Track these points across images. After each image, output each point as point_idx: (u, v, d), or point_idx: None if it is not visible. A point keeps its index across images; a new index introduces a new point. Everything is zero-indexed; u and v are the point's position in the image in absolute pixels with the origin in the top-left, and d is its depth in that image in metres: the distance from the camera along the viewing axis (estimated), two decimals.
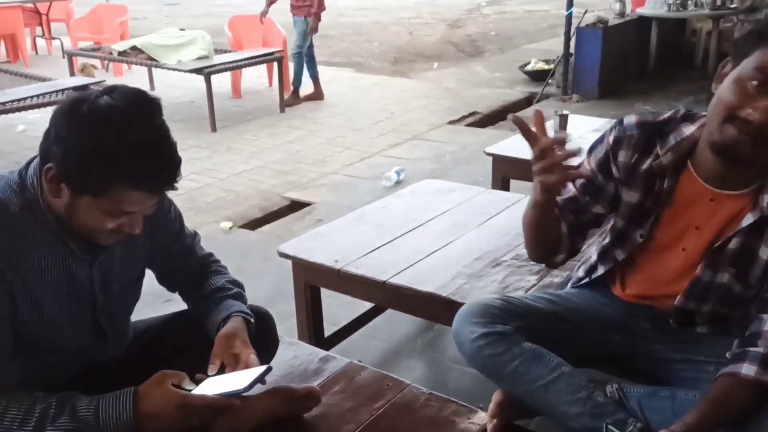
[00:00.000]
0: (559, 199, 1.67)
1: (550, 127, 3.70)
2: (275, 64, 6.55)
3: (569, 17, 6.74)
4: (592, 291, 1.76)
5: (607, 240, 1.69)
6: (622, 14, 7.44)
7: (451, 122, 6.26)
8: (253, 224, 4.20)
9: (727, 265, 1.50)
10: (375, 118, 6.36)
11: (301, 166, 5.15)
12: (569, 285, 1.85)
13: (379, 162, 5.18)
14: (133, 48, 6.34)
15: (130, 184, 1.23)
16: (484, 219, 2.57)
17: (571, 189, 1.66)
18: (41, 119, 5.95)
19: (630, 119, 1.58)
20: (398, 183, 4.66)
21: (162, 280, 1.63)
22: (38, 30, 9.49)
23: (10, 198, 1.28)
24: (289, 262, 2.45)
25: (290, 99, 6.79)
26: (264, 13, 7.01)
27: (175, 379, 1.28)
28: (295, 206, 4.47)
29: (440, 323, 2.37)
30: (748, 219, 1.45)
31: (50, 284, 1.32)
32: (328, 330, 2.63)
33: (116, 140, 1.19)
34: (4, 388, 1.23)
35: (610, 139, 1.59)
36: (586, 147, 3.50)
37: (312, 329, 2.44)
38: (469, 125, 6.28)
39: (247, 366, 1.38)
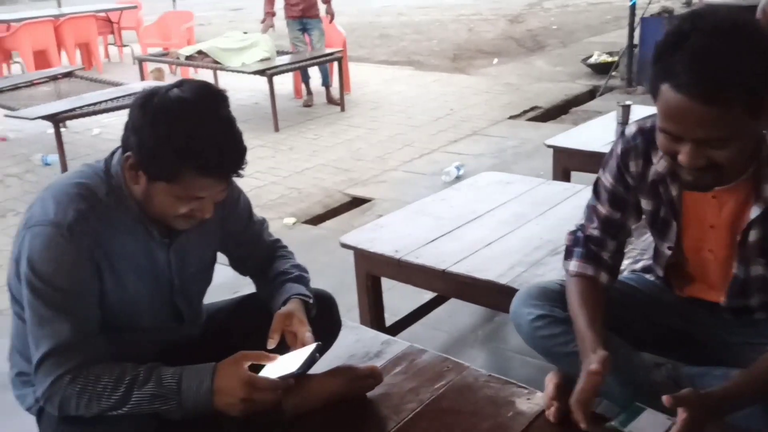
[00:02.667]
0: (594, 229, 1.63)
1: (613, 119, 3.66)
2: (335, 64, 6.65)
3: (633, 7, 6.60)
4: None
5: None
6: (688, 3, 7.25)
7: (511, 117, 6.23)
8: (316, 220, 4.29)
9: (756, 256, 1.46)
10: (434, 115, 6.39)
11: (361, 163, 5.22)
12: (627, 270, 1.84)
13: (438, 158, 5.21)
14: (199, 52, 6.55)
15: (198, 171, 1.31)
16: (544, 209, 2.57)
17: (600, 210, 1.63)
18: (114, 123, 6.26)
19: (631, 129, 1.55)
20: (458, 178, 4.67)
21: (233, 264, 1.72)
22: (110, 38, 9.91)
23: (98, 184, 1.39)
24: (351, 256, 2.52)
25: (309, 99, 6.94)
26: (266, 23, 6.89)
27: (254, 358, 1.35)
28: (356, 202, 4.54)
29: (499, 311, 2.39)
30: (755, 211, 1.41)
31: (132, 265, 1.42)
32: (390, 321, 2.68)
33: (184, 130, 1.28)
34: (96, 357, 1.33)
35: (618, 150, 1.57)
36: None
37: (374, 318, 2.49)
38: (530, 120, 6.23)
39: (303, 344, 1.43)
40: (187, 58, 6.59)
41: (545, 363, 2.59)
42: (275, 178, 4.95)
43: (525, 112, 6.42)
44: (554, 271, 2.10)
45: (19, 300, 1.44)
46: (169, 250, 1.48)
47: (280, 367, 1.39)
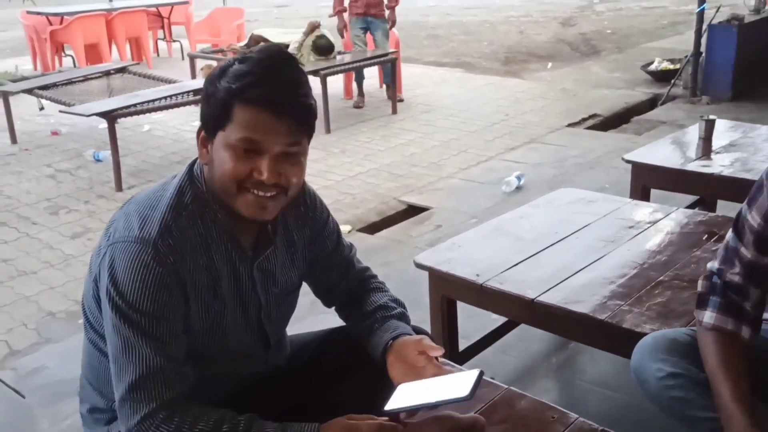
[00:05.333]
0: (734, 275, 1.44)
1: (695, 133, 3.45)
2: (387, 65, 6.51)
3: (701, 14, 6.33)
4: None
5: None
6: (757, 10, 6.92)
7: (570, 125, 6.01)
8: (372, 228, 4.15)
9: None
10: (489, 120, 6.20)
11: (416, 169, 5.07)
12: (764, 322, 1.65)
13: (496, 166, 5.03)
14: (256, 42, 6.44)
15: (245, 101, 1.19)
16: (634, 233, 2.39)
17: (744, 253, 1.44)
18: (165, 119, 6.20)
19: None
20: (518, 189, 4.50)
21: (319, 293, 1.58)
22: (159, 33, 9.90)
23: (183, 190, 1.29)
24: (412, 270, 2.39)
25: (360, 101, 6.81)
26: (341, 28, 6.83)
27: (360, 420, 1.21)
28: (412, 210, 4.39)
29: (593, 347, 2.21)
30: None
31: (218, 283, 1.30)
32: (460, 344, 2.52)
33: (238, 70, 1.21)
34: (187, 390, 1.22)
35: None
36: (728, 157, 3.22)
37: (447, 343, 2.33)
38: (589, 128, 6.00)
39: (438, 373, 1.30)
40: (247, 47, 6.49)
41: (625, 398, 2.44)
42: (328, 183, 4.82)
43: (584, 119, 6.19)
44: (657, 306, 1.92)
45: (94, 325, 1.33)
46: (254, 265, 1.36)
47: (419, 394, 1.26)
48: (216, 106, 1.22)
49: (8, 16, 12.73)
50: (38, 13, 8.65)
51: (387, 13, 6.59)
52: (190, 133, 6.04)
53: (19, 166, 5.33)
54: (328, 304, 1.60)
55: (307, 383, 1.42)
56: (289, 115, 1.21)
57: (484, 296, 2.14)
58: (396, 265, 3.53)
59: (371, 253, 3.71)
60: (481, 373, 1.25)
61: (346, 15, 6.70)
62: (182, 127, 6.21)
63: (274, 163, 1.22)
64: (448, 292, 2.28)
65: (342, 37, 6.77)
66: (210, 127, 1.25)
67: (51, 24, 8.35)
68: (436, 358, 1.35)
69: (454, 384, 1.26)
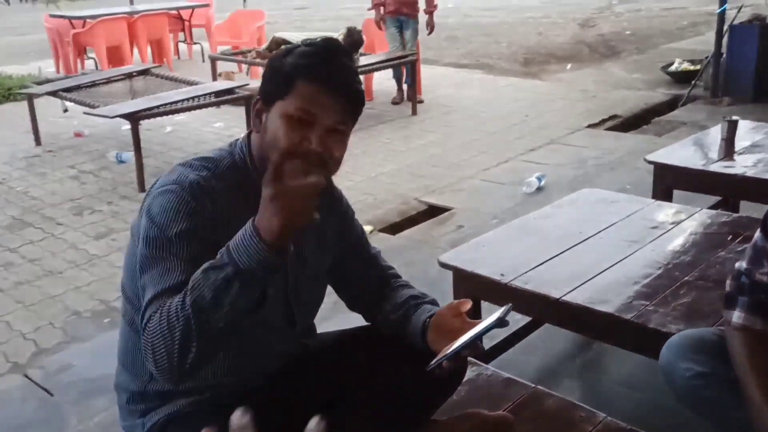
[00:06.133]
0: (763, 275, 1.42)
1: (717, 134, 3.43)
2: (408, 66, 6.53)
3: (722, 14, 6.28)
4: None
5: None
6: None
7: (590, 126, 5.99)
8: (393, 228, 4.17)
9: None
10: (510, 121, 6.20)
11: (436, 169, 5.08)
12: None
13: (517, 167, 5.02)
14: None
15: (309, 78, 1.29)
16: (658, 234, 2.39)
17: None
18: (186, 120, 6.26)
19: None
20: (539, 189, 4.50)
21: (342, 289, 1.61)
22: (180, 35, 10.00)
23: (222, 160, 1.38)
24: (435, 270, 2.40)
25: (398, 97, 6.91)
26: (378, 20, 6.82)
27: None
28: (434, 211, 4.39)
29: (618, 347, 2.21)
30: None
31: None
32: (484, 344, 2.53)
33: (303, 52, 1.32)
34: None
35: None
36: (751, 158, 3.20)
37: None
38: (609, 129, 5.98)
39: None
40: (258, 54, 6.52)
41: (651, 398, 2.43)
42: (349, 183, 4.83)
43: (604, 120, 6.17)
44: (682, 307, 1.92)
45: (132, 300, 1.36)
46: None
47: (462, 338, 1.32)
48: (279, 79, 1.31)
49: (32, 20, 12.92)
50: (61, 17, 8.77)
51: (426, 17, 6.71)
52: (211, 134, 6.10)
53: (44, 167, 5.41)
54: (351, 304, 1.62)
55: (342, 370, 1.45)
56: (344, 96, 1.32)
57: (509, 296, 2.14)
58: (419, 266, 3.54)
59: (394, 253, 3.72)
60: (510, 306, 1.30)
61: (382, 9, 6.74)
62: (204, 128, 6.27)
63: (323, 136, 1.31)
64: (473, 291, 2.28)
65: (380, 29, 6.80)
66: (269, 97, 1.33)
67: (74, 27, 8.46)
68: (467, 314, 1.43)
69: (486, 322, 1.31)
